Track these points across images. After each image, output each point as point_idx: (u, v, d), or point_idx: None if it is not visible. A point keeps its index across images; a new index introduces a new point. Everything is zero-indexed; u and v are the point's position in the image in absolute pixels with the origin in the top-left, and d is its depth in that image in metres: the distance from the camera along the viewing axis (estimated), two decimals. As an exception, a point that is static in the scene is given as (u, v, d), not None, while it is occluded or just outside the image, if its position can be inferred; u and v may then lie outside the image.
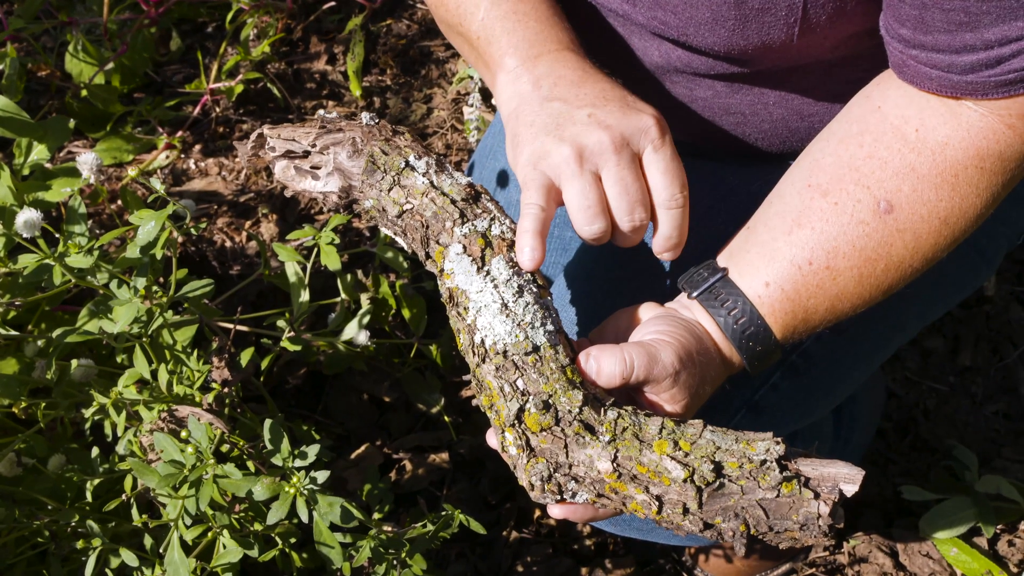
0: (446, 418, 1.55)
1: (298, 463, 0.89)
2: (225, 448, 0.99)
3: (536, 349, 0.81)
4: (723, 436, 0.79)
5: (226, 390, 1.00)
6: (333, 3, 2.22)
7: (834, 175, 0.85)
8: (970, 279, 1.12)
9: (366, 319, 1.50)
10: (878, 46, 0.87)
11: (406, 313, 1.54)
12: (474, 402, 0.84)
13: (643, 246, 1.05)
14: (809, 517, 0.76)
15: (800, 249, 0.85)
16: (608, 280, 1.04)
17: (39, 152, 1.27)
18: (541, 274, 0.86)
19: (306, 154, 0.92)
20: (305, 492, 0.87)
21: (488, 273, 0.83)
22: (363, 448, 1.53)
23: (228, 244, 1.86)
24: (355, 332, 1.48)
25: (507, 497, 1.51)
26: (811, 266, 0.85)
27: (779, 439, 0.78)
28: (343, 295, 1.58)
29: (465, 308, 0.84)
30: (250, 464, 0.93)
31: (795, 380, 1.01)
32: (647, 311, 0.89)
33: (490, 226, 0.86)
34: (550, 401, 0.80)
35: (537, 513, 1.50)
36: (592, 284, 1.05)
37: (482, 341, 0.82)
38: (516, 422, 0.80)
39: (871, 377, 1.52)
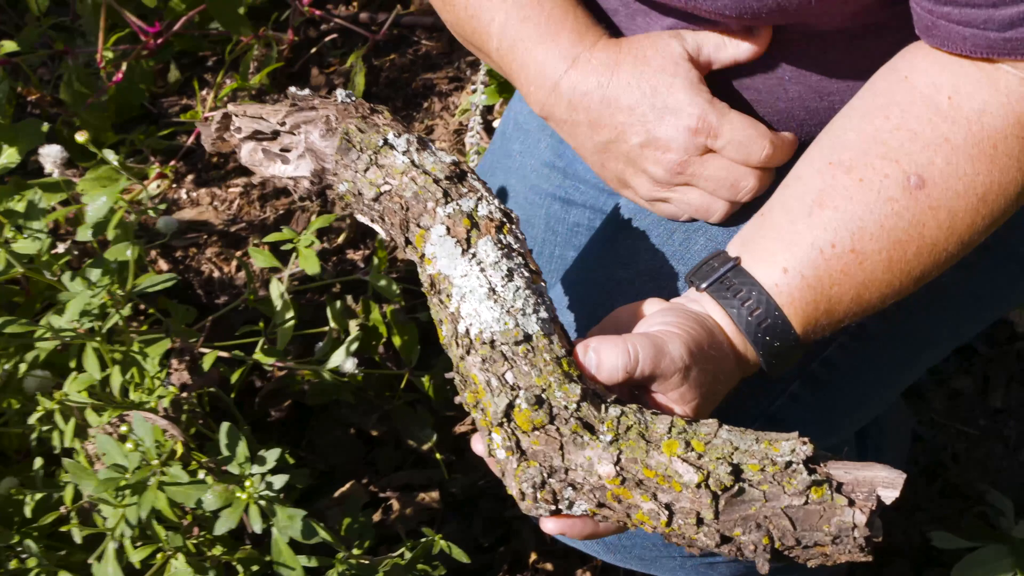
0: (438, 455, 1.44)
1: (255, 469, 0.79)
2: (193, 467, 0.89)
3: (528, 338, 0.72)
4: (741, 436, 0.69)
5: (185, 395, 0.91)
6: (335, 36, 2.17)
7: (858, 150, 0.77)
8: (1007, 292, 1.02)
9: (354, 346, 1.40)
10: (902, 16, 0.80)
11: (396, 340, 1.44)
12: (457, 400, 0.74)
13: (644, 247, 0.96)
14: (843, 528, 0.65)
15: (822, 231, 0.76)
16: (609, 282, 0.95)
17: (8, 156, 1.20)
18: (533, 259, 0.77)
19: (275, 135, 0.84)
20: (262, 502, 0.76)
21: (474, 255, 0.74)
22: (348, 486, 1.42)
23: (216, 274, 1.77)
24: (342, 360, 1.38)
25: (501, 539, 1.40)
26: (834, 249, 0.76)
27: (806, 439, 0.68)
28: (332, 323, 1.49)
29: (448, 295, 0.74)
30: (209, 479, 0.83)
31: (816, 391, 0.92)
32: (651, 306, 0.79)
33: (476, 206, 0.77)
34: (543, 396, 0.70)
35: (533, 556, 1.38)
36: (591, 288, 0.96)
37: (467, 330, 0.73)
38: (505, 420, 0.70)
39: (899, 412, 1.41)
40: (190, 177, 1.96)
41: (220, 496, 0.77)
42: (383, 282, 1.48)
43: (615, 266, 0.95)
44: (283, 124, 0.82)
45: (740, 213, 0.89)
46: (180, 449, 0.88)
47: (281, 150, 0.84)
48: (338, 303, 1.48)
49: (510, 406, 0.70)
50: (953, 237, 0.77)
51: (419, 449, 1.46)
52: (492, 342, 0.71)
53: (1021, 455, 1.53)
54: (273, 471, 0.79)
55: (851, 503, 0.66)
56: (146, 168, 1.95)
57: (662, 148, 0.86)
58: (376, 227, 0.82)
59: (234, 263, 1.79)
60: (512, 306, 0.72)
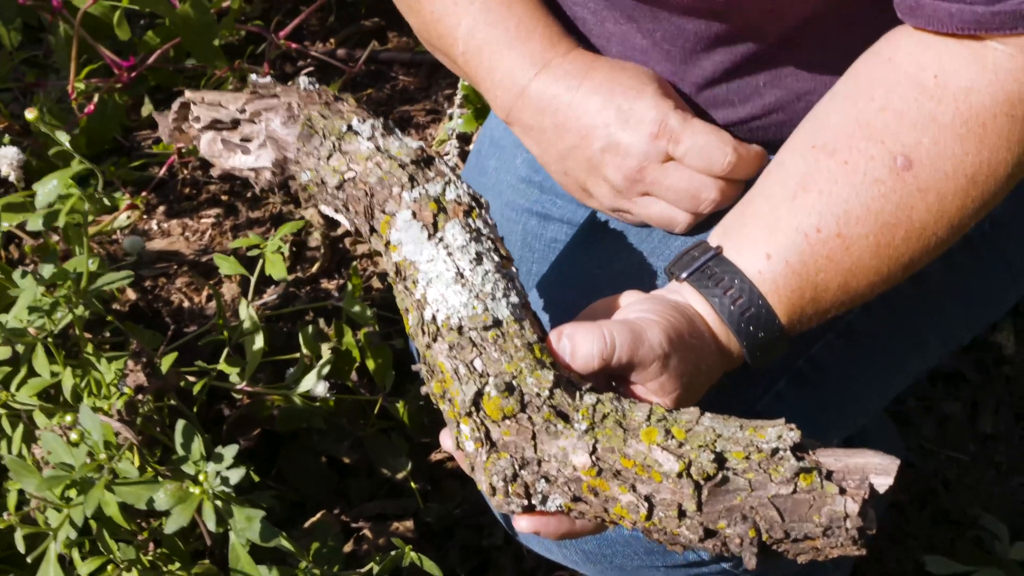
0: (413, 484, 1.39)
1: (211, 467, 0.74)
2: (150, 475, 0.84)
3: (497, 323, 0.68)
4: (725, 423, 0.65)
5: (140, 397, 0.86)
6: (311, 70, 2.16)
7: (842, 132, 0.74)
8: (996, 295, 0.99)
9: (326, 369, 1.36)
10: (874, 7, 0.78)
11: (370, 364, 1.40)
12: (423, 390, 0.70)
13: (622, 246, 0.93)
14: (834, 518, 0.61)
15: (806, 215, 0.73)
16: (584, 281, 0.91)
17: (-35, 168, 1.15)
18: (504, 245, 0.73)
19: (235, 124, 0.80)
20: (219, 502, 0.71)
21: (441, 240, 0.71)
22: (318, 516, 1.36)
23: (186, 304, 1.73)
24: (313, 383, 1.34)
25: (478, 569, 1.34)
26: (819, 234, 0.73)
27: (792, 425, 0.64)
28: (303, 348, 1.44)
29: (414, 281, 0.71)
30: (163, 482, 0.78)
31: (802, 390, 0.88)
32: (628, 298, 0.76)
33: (444, 190, 0.73)
34: (514, 383, 0.66)
35: (513, 587, 1.32)
36: (566, 287, 0.93)
37: (433, 317, 0.69)
38: (473, 409, 0.66)
39: (888, 437, 1.37)
40: (161, 208, 1.92)
41: (173, 495, 0.72)
42: (357, 307, 1.44)
43: (591, 265, 0.92)
44: (243, 112, 0.79)
45: (716, 219, 0.87)
46: (136, 459, 0.83)
47: (241, 140, 0.80)
48: (310, 328, 1.44)
49: (479, 394, 0.66)
50: (943, 220, 0.74)
51: (393, 478, 1.41)
52: (460, 328, 0.67)
53: (1013, 481, 1.49)
54: (230, 468, 0.74)
55: (842, 491, 0.62)
56: (117, 199, 1.92)
57: (622, 154, 0.84)
58: (340, 218, 0.78)
59: (205, 293, 1.75)
60: (481, 290, 0.68)
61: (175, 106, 0.81)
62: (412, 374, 1.53)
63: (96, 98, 1.93)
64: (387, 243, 0.73)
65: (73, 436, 0.73)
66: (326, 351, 1.43)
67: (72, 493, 0.73)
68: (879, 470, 0.62)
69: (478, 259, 0.70)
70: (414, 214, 0.72)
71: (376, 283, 1.72)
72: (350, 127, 0.76)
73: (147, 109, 2.13)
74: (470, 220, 0.72)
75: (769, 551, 0.63)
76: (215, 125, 0.80)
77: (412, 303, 0.70)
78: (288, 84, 0.81)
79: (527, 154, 1.15)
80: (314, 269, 1.77)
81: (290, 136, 0.78)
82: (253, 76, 0.80)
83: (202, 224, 1.88)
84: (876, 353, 0.91)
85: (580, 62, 0.87)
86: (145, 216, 1.89)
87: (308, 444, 1.42)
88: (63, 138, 0.88)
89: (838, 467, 0.63)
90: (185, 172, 1.95)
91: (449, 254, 0.70)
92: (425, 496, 1.40)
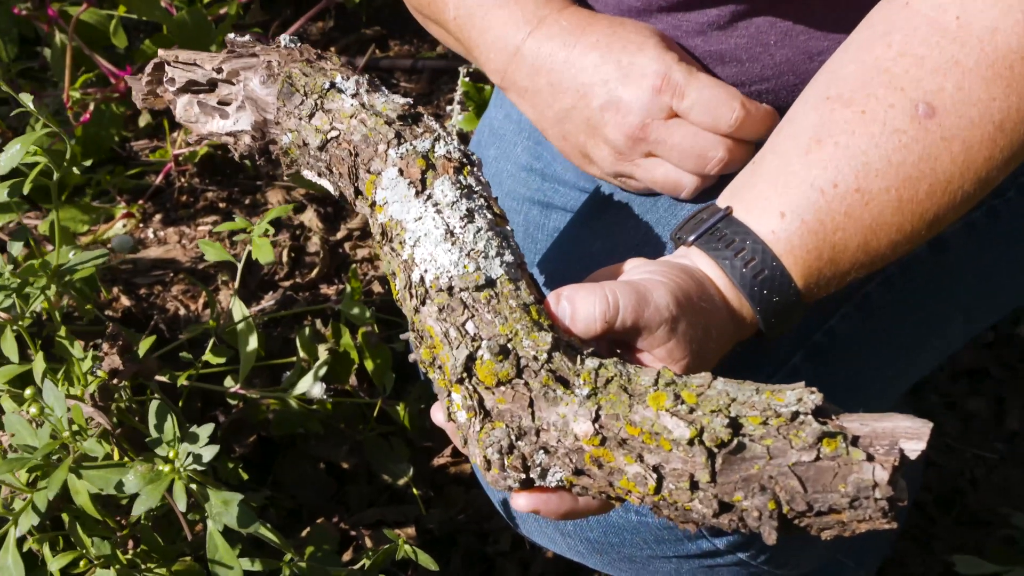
0: (414, 490, 1.33)
1: (185, 447, 0.68)
2: (126, 462, 0.79)
3: (490, 283, 0.63)
4: (739, 387, 0.60)
5: (115, 382, 0.81)
6: (310, 76, 2.12)
7: (858, 81, 0.69)
8: (1020, 273, 0.93)
9: (323, 371, 1.31)
10: None
11: (369, 365, 1.34)
12: (411, 357, 0.64)
13: (626, 217, 0.88)
14: (861, 487, 0.55)
15: (821, 169, 0.68)
16: (585, 255, 0.86)
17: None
18: (497, 204, 0.68)
19: (212, 85, 0.76)
20: (192, 486, 0.65)
21: (430, 197, 0.66)
22: (316, 523, 1.30)
23: (181, 312, 1.68)
24: (309, 385, 1.28)
25: (483, 577, 1.28)
26: (836, 189, 0.67)
27: (814, 388, 0.59)
28: (300, 351, 1.39)
29: (400, 242, 0.65)
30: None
31: (818, 366, 0.82)
32: (632, 263, 0.71)
33: (433, 146, 0.68)
34: (509, 346, 0.60)
35: (518, 595, 1.26)
36: (567, 263, 0.88)
37: (421, 278, 0.64)
38: (465, 375, 0.61)
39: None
40: (158, 216, 1.88)
41: (143, 476, 0.66)
42: (356, 310, 1.39)
43: (593, 240, 0.87)
44: (219, 71, 0.74)
45: (725, 185, 0.81)
46: (116, 452, 0.78)
47: (219, 103, 0.75)
48: (307, 329, 1.39)
49: (471, 359, 0.60)
50: (969, 172, 0.68)
51: (394, 484, 1.35)
52: (450, 288, 0.62)
53: (1044, 480, 1.42)
54: (204, 447, 0.68)
55: (870, 458, 0.56)
56: (112, 208, 1.88)
57: (623, 111, 0.79)
58: (324, 182, 0.73)
59: (201, 301, 1.70)
60: (473, 248, 0.63)
61: (148, 67, 0.77)
62: (413, 376, 1.48)
63: (92, 107, 1.90)
64: (372, 203, 0.68)
65: (32, 411, 0.67)
66: (323, 353, 1.38)
67: (40, 478, 0.68)
68: (910, 434, 0.56)
69: (469, 216, 0.65)
70: (401, 171, 0.67)
71: (376, 287, 1.67)
72: (333, 84, 0.72)
73: (144, 119, 2.10)
74: (461, 177, 0.67)
75: (790, 526, 0.57)
76: (191, 87, 0.76)
77: (399, 265, 0.65)
78: (269, 43, 0.76)
79: (528, 141, 1.11)
80: (313, 274, 1.72)
81: (270, 96, 0.73)
82: (231, 35, 0.76)
83: (199, 232, 1.84)
84: (895, 328, 0.85)
85: (576, 18, 0.82)
86: (141, 224, 1.85)
87: (305, 450, 1.37)
88: (26, 99, 0.83)
89: (865, 432, 0.57)
90: (182, 180, 1.91)
91: (438, 211, 0.65)
92: (427, 502, 1.34)
